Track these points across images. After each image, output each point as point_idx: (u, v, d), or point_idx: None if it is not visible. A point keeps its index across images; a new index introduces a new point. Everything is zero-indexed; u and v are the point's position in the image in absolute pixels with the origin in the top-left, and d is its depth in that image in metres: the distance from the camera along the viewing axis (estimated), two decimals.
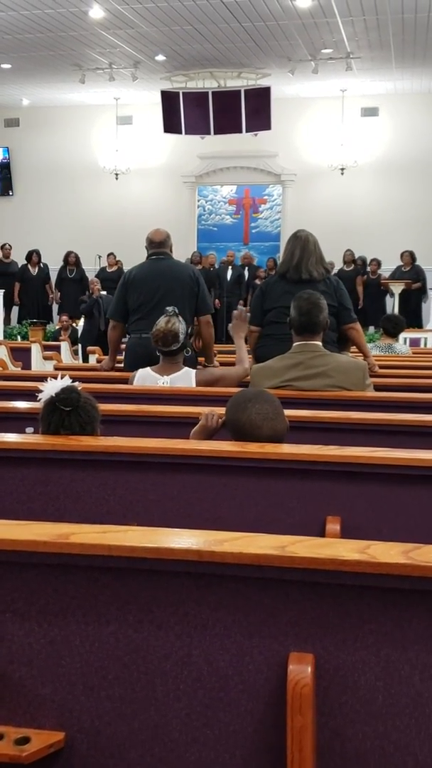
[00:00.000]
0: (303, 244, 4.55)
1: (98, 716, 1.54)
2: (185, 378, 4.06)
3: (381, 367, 4.80)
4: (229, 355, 5.15)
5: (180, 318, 4.08)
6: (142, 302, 4.94)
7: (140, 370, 4.17)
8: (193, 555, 1.49)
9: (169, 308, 4.14)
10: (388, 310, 13.72)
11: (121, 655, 1.53)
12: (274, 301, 4.45)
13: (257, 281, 14.62)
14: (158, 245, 5.14)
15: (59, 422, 2.55)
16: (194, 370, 4.10)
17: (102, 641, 1.54)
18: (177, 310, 4.13)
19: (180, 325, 4.03)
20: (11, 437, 2.73)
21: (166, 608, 1.51)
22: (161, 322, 4.06)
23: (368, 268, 14.40)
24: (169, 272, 5.03)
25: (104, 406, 2.77)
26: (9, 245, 15.04)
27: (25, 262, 14.94)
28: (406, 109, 15.32)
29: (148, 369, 4.14)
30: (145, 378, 4.08)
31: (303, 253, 4.51)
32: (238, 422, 2.60)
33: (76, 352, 10.48)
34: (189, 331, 4.10)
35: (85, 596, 1.55)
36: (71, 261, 14.94)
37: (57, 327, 12.83)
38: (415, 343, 10.25)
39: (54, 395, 2.52)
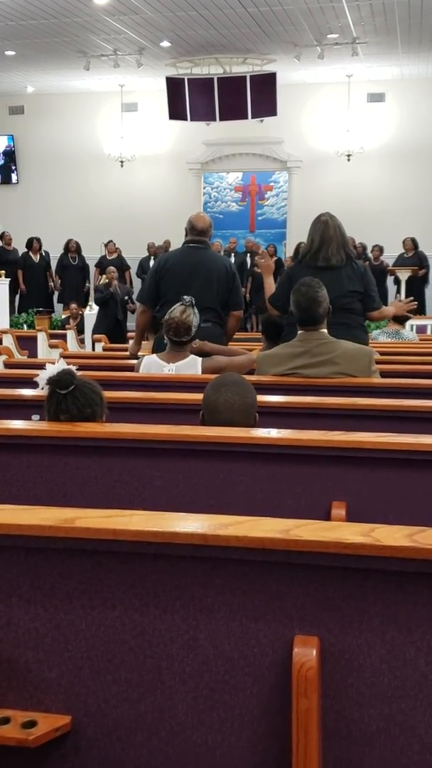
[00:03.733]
0: (323, 230, 4.50)
1: (104, 700, 1.55)
2: (191, 365, 4.05)
3: (388, 353, 4.77)
4: (233, 343, 5.14)
5: (195, 310, 4.04)
6: (177, 291, 4.77)
7: (146, 358, 4.16)
8: (198, 539, 1.49)
9: (186, 298, 4.09)
10: (390, 296, 13.70)
11: (127, 638, 1.54)
12: None
13: (256, 269, 14.55)
14: (200, 233, 5.02)
15: (57, 405, 2.56)
16: (200, 358, 4.10)
17: (108, 625, 1.54)
18: (194, 301, 4.09)
19: (194, 318, 4.01)
20: (17, 424, 2.74)
21: (172, 592, 1.52)
22: (176, 311, 4.01)
23: (370, 255, 14.32)
24: (208, 264, 4.94)
25: (110, 394, 2.78)
26: (9, 233, 14.99)
27: (26, 249, 14.90)
28: (412, 95, 15.22)
29: (154, 356, 4.14)
30: (151, 365, 4.08)
31: (323, 239, 4.47)
32: (207, 399, 2.73)
33: (82, 341, 10.48)
34: (199, 323, 4.08)
35: (90, 580, 1.55)
36: (72, 248, 14.92)
37: (66, 315, 12.81)
38: (421, 330, 10.23)
39: (49, 378, 2.54)
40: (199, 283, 4.83)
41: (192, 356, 4.09)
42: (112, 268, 11.87)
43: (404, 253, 14.09)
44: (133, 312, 10.62)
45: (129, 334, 7.48)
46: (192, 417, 2.91)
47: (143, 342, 5.33)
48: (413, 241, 14.04)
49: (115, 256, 15.00)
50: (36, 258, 14.87)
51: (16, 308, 14.36)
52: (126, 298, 11.13)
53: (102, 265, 14.75)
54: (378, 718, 1.46)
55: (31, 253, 14.85)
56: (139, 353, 5.07)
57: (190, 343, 4.10)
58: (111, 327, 10.52)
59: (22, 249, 15.01)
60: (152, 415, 3.23)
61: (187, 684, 1.51)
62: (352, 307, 4.40)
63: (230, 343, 5.01)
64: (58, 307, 14.85)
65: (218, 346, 4.50)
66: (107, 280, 11.17)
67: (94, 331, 10.16)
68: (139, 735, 1.54)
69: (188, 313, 4.00)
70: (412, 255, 13.98)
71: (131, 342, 5.39)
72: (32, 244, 14.81)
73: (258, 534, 1.47)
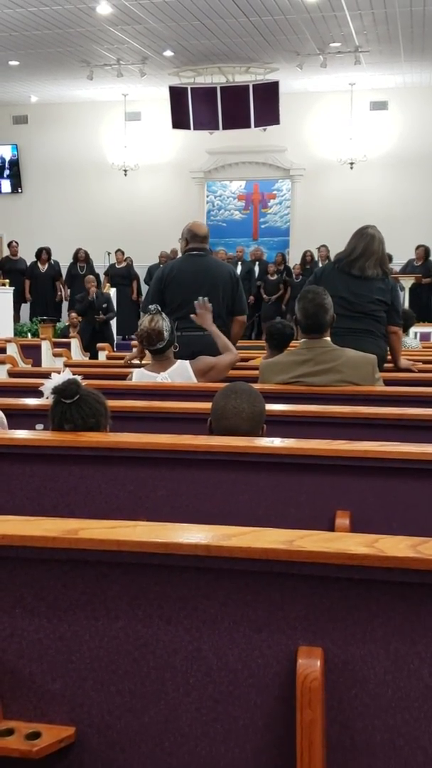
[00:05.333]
0: (368, 242, 4.52)
1: (108, 711, 1.55)
2: (181, 370, 4.07)
3: (390, 361, 4.76)
4: (247, 352, 5.15)
5: (163, 315, 4.07)
6: (183, 300, 4.84)
7: (136, 371, 4.17)
8: (202, 550, 1.49)
9: (152, 307, 4.13)
10: None
11: (131, 649, 1.54)
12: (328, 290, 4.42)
13: (269, 276, 14.65)
14: (201, 240, 5.04)
15: (62, 415, 2.57)
16: (187, 361, 4.12)
17: (111, 636, 1.54)
18: (159, 308, 4.13)
19: (164, 323, 4.03)
20: (21, 434, 2.74)
21: (175, 603, 1.52)
22: (145, 321, 4.05)
23: None
24: (212, 270, 4.96)
25: (114, 403, 2.78)
26: (16, 242, 15.04)
27: (35, 259, 14.93)
28: (415, 103, 15.25)
29: (142, 369, 4.15)
30: (142, 378, 4.09)
31: (365, 251, 4.49)
32: (216, 405, 2.73)
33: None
34: (174, 328, 4.10)
35: (94, 591, 1.55)
36: (81, 258, 14.96)
37: (66, 324, 12.85)
38: (425, 337, 10.22)
39: (54, 388, 2.54)
40: (204, 290, 4.84)
41: (179, 361, 4.11)
42: (90, 277, 11.99)
43: (414, 260, 14.05)
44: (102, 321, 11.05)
45: (133, 342, 7.48)
46: (195, 425, 2.91)
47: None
48: (426, 250, 13.96)
49: (123, 264, 15.02)
50: (43, 268, 14.89)
51: (28, 316, 14.41)
52: (105, 305, 11.34)
53: (109, 273, 14.79)
54: (382, 729, 1.45)
55: (39, 263, 14.88)
56: (144, 360, 5.09)
57: (170, 348, 4.10)
58: (89, 335, 10.67)
59: (26, 258, 15.03)
60: (155, 423, 3.23)
61: (190, 695, 1.51)
62: (379, 315, 4.44)
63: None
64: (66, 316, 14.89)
65: (214, 357, 4.51)
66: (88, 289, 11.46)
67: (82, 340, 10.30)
68: (143, 746, 1.53)
69: (156, 320, 4.02)
70: (421, 264, 13.94)
71: (134, 350, 5.40)
72: (41, 254, 14.84)
73: (261, 545, 1.47)
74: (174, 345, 4.10)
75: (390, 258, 14.80)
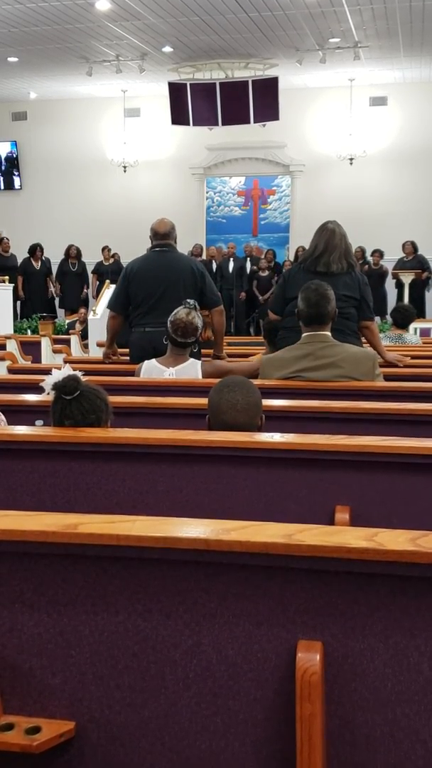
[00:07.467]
0: (329, 237, 4.48)
1: (108, 705, 1.55)
2: (191, 369, 4.07)
3: None
4: (235, 347, 5.16)
5: (198, 313, 4.10)
6: (145, 296, 4.91)
7: (146, 363, 4.17)
8: (201, 544, 1.49)
9: (190, 301, 4.15)
10: (389, 300, 13.71)
11: (131, 644, 1.54)
12: (295, 291, 4.42)
13: (261, 273, 14.65)
14: (163, 236, 5.10)
15: (62, 411, 2.57)
16: (200, 362, 4.11)
17: (111, 631, 1.54)
18: (196, 304, 4.16)
19: (198, 320, 4.06)
20: (21, 429, 2.75)
21: (175, 597, 1.52)
22: (181, 312, 4.05)
23: (370, 259, 14.35)
24: (173, 266, 5.00)
25: (114, 398, 2.78)
26: (7, 239, 14.95)
27: (28, 255, 14.86)
28: (414, 98, 15.23)
29: (153, 361, 4.15)
30: (151, 370, 4.09)
31: (326, 247, 4.45)
32: (211, 401, 2.74)
33: (86, 346, 10.49)
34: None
35: (93, 586, 1.55)
36: (72, 254, 14.92)
37: (73, 319, 12.79)
38: (425, 333, 10.21)
39: (54, 384, 2.54)
40: (164, 285, 4.89)
41: (191, 359, 4.11)
42: None
43: (404, 256, 14.10)
44: None
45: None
46: (195, 421, 2.91)
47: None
48: (413, 244, 14.05)
49: (111, 261, 14.97)
50: (37, 265, 14.84)
51: (18, 315, 14.32)
52: None
53: (98, 271, 14.74)
54: (382, 722, 1.45)
55: (32, 260, 14.83)
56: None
57: (192, 346, 4.12)
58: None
59: (23, 255, 14.97)
60: (155, 419, 3.23)
61: (190, 689, 1.51)
62: (347, 312, 4.37)
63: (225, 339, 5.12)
64: (59, 313, 14.85)
65: (232, 363, 4.61)
66: None
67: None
68: (143, 741, 1.53)
69: (192, 315, 4.05)
70: (412, 258, 13.99)
71: (104, 349, 5.45)
72: (35, 251, 14.77)
73: (261, 539, 1.47)
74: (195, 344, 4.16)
75: (381, 254, 14.88)
